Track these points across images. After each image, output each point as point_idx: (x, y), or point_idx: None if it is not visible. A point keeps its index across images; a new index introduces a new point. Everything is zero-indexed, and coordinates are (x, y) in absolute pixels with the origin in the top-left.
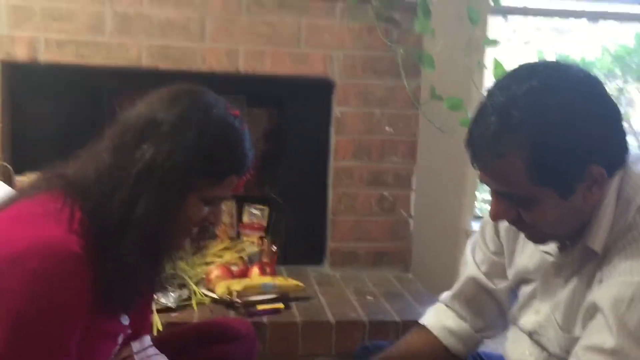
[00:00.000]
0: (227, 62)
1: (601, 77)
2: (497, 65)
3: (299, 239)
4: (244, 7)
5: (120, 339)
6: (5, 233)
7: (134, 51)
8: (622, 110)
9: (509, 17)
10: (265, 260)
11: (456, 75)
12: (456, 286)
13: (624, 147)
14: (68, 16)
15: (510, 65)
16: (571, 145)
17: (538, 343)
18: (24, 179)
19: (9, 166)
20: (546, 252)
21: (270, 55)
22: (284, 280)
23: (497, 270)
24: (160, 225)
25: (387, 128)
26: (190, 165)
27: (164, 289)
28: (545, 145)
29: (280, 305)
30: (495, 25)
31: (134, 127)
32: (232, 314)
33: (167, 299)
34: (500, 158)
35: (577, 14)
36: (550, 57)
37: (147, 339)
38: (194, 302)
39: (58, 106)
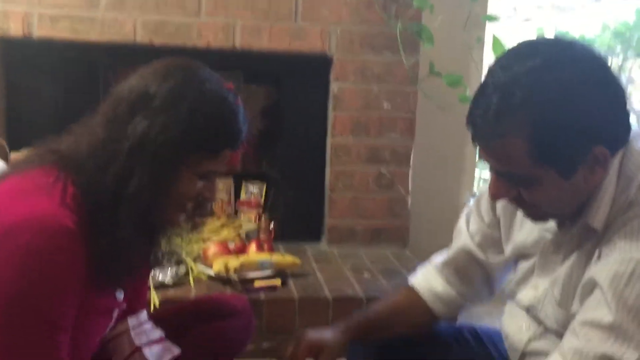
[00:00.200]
0: (224, 38)
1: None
2: (497, 41)
3: (296, 215)
4: None
5: (115, 315)
6: None
7: (128, 26)
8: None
9: None
10: (262, 237)
11: (455, 51)
12: (448, 254)
13: (627, 127)
14: None
15: (509, 42)
16: (574, 126)
17: (535, 318)
18: (19, 155)
19: (4, 142)
20: (545, 229)
21: (267, 30)
22: (281, 257)
23: (489, 242)
24: (154, 199)
25: (385, 104)
26: (184, 139)
27: (159, 265)
28: (548, 125)
29: (278, 282)
30: (495, 2)
31: (126, 100)
32: (229, 290)
33: (164, 275)
34: (502, 137)
35: None
36: (550, 34)
37: (143, 315)
38: (191, 278)
39: (53, 82)
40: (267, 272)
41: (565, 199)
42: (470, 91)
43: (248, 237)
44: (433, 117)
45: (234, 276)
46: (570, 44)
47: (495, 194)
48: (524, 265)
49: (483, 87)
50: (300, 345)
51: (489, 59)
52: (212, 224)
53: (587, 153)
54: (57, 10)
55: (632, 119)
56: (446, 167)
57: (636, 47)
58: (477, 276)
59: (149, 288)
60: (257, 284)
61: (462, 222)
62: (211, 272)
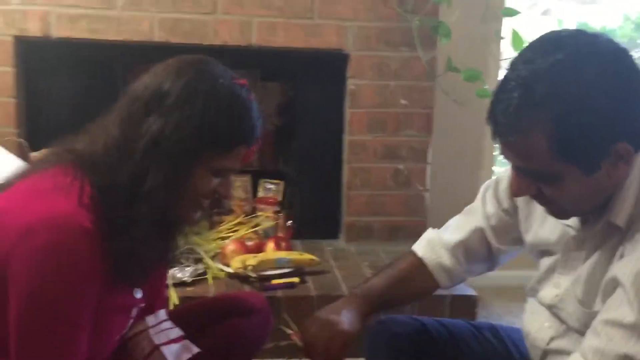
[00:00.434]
0: (240, 36)
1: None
2: (516, 36)
3: (314, 213)
4: None
5: (134, 313)
6: (16, 207)
7: (145, 25)
8: None
9: None
10: (280, 234)
11: (473, 46)
12: (461, 233)
13: None
14: None
15: (529, 35)
16: (597, 122)
17: (557, 316)
18: (38, 155)
19: (24, 142)
20: (568, 225)
21: (283, 28)
22: (298, 255)
23: (504, 227)
24: (169, 197)
25: (402, 101)
26: (198, 136)
27: (177, 264)
28: (570, 122)
29: (296, 279)
30: None
31: (140, 99)
32: (247, 288)
33: (183, 273)
34: (523, 134)
35: None
36: (571, 27)
37: (162, 313)
38: (209, 276)
39: (71, 81)
40: (285, 270)
41: (588, 195)
42: (489, 86)
43: (266, 235)
44: (451, 112)
45: (252, 274)
46: (593, 38)
47: (516, 191)
48: (546, 263)
49: (504, 82)
50: (314, 326)
51: (507, 53)
52: (229, 222)
53: (609, 149)
54: (75, 10)
55: None
56: (464, 164)
57: None
58: (484, 256)
59: (168, 286)
60: (275, 281)
61: (478, 201)
62: (229, 270)
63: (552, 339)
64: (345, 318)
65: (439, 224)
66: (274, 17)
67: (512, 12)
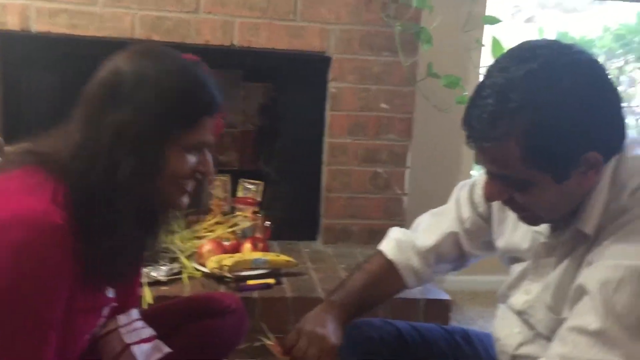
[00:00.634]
0: (222, 35)
1: (602, 56)
2: (496, 43)
3: (292, 214)
4: None
5: (105, 312)
6: None
7: (126, 22)
8: (623, 90)
9: None
10: (258, 235)
11: (454, 53)
12: (433, 237)
13: (622, 133)
14: None
15: (511, 43)
16: (569, 131)
17: (527, 322)
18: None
19: (0, 137)
20: (538, 232)
21: (266, 28)
22: (275, 256)
23: (477, 231)
24: (146, 185)
25: (382, 105)
26: (157, 118)
27: (153, 262)
28: (543, 130)
29: (271, 281)
30: (497, 2)
31: (95, 96)
32: (222, 288)
33: (158, 272)
34: (497, 141)
35: None
36: (551, 36)
37: (134, 312)
38: (184, 276)
39: (51, 76)
40: (261, 271)
41: (558, 203)
42: (468, 93)
43: (244, 235)
44: (431, 118)
45: (227, 274)
46: (568, 48)
47: (489, 195)
48: (516, 269)
49: (480, 89)
50: (302, 340)
51: (488, 60)
52: (207, 221)
53: (580, 158)
54: (55, 5)
55: (630, 121)
56: (443, 168)
57: (637, 49)
58: (454, 259)
59: (142, 286)
60: (251, 282)
61: (451, 203)
62: (205, 270)
63: (520, 344)
64: (331, 330)
65: None
66: (257, 18)
67: (493, 20)
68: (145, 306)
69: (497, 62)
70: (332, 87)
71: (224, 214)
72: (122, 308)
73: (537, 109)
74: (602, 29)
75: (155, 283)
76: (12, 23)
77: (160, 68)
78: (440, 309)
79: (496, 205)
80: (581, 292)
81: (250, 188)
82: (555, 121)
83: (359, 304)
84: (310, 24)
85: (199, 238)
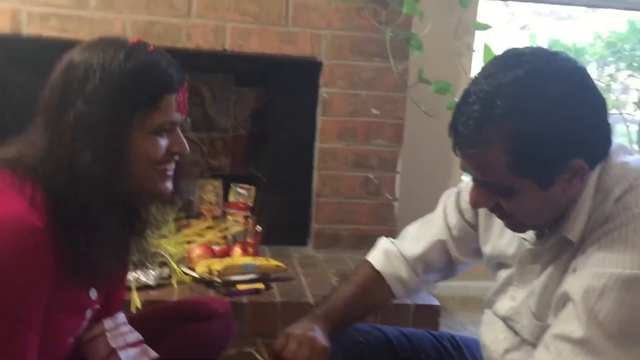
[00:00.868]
0: (214, 40)
1: (593, 64)
2: (487, 49)
3: (283, 219)
4: None
5: (88, 314)
6: None
7: (117, 26)
8: (615, 98)
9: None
10: (249, 240)
11: (444, 59)
12: (422, 244)
13: (607, 140)
14: None
15: (501, 49)
16: (554, 138)
17: (512, 329)
18: None
19: None
20: (524, 239)
21: (258, 33)
22: (265, 261)
23: (465, 238)
24: (113, 175)
25: (373, 110)
26: (109, 105)
27: (142, 266)
28: (528, 137)
29: (261, 286)
30: (490, 9)
31: (49, 104)
32: (212, 293)
33: (147, 277)
34: (482, 147)
35: (572, 1)
36: (543, 43)
37: (120, 316)
38: (174, 280)
39: (42, 80)
40: (251, 276)
41: (543, 210)
42: (458, 99)
43: (235, 240)
44: (421, 123)
45: (217, 279)
46: (554, 55)
47: (475, 202)
48: (502, 275)
49: (466, 95)
50: (291, 342)
51: (478, 66)
52: (197, 225)
53: (565, 165)
54: (47, 9)
55: (620, 128)
56: (433, 174)
57: (628, 57)
58: (442, 267)
59: (129, 289)
60: (240, 287)
61: (438, 211)
62: (195, 275)
63: (506, 351)
64: (319, 334)
65: None
66: (248, 23)
67: (483, 27)
68: (133, 311)
69: (483, 69)
70: (323, 92)
71: (215, 218)
72: (107, 312)
73: (523, 116)
74: (594, 37)
75: (144, 287)
76: (3, 26)
77: (105, 56)
78: (429, 314)
79: (482, 211)
80: (565, 299)
81: (241, 193)
82: (541, 128)
83: (343, 316)
84: (301, 29)
85: (189, 242)
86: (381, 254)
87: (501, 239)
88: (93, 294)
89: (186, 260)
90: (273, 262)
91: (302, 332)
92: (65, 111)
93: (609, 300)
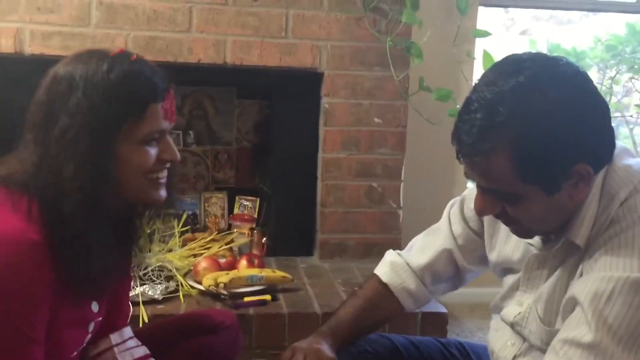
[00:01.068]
0: (215, 54)
1: (594, 67)
2: (487, 56)
3: (288, 230)
4: None
5: (91, 327)
6: None
7: (119, 42)
8: (617, 100)
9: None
10: (254, 251)
11: (445, 66)
12: (428, 255)
13: (611, 144)
14: (53, 7)
15: (502, 55)
16: (558, 143)
17: (520, 334)
18: None
19: None
20: (530, 244)
21: (258, 46)
22: (271, 272)
23: (471, 247)
24: (101, 187)
25: (375, 119)
26: (93, 117)
27: (148, 281)
28: (532, 143)
29: (267, 297)
30: (490, 15)
31: (37, 117)
32: (218, 305)
33: (154, 291)
34: (486, 155)
35: (570, 5)
36: (543, 47)
37: (127, 331)
38: (180, 294)
39: None
40: (258, 287)
41: (550, 215)
42: (460, 106)
43: (240, 252)
44: (423, 131)
45: (223, 292)
46: (554, 61)
47: (480, 209)
48: (509, 280)
49: (468, 103)
50: (297, 354)
51: (479, 73)
52: (203, 239)
53: (570, 170)
54: (49, 27)
55: (623, 130)
56: (437, 181)
57: (629, 59)
58: (450, 277)
59: (136, 304)
60: (247, 299)
61: (443, 221)
62: (201, 288)
63: (515, 357)
64: (325, 347)
65: None
66: (249, 36)
67: (482, 34)
68: (141, 325)
69: (484, 76)
70: (325, 102)
71: (221, 231)
72: (114, 326)
73: (525, 122)
74: (594, 40)
75: (151, 301)
76: (6, 46)
77: (88, 68)
78: (437, 322)
79: (487, 218)
80: (573, 304)
81: (246, 205)
82: (544, 133)
83: (351, 331)
84: (301, 40)
85: (195, 256)
86: (388, 267)
87: (507, 244)
88: (95, 306)
89: (192, 273)
90: (279, 273)
91: (308, 345)
92: (51, 126)
93: (618, 304)
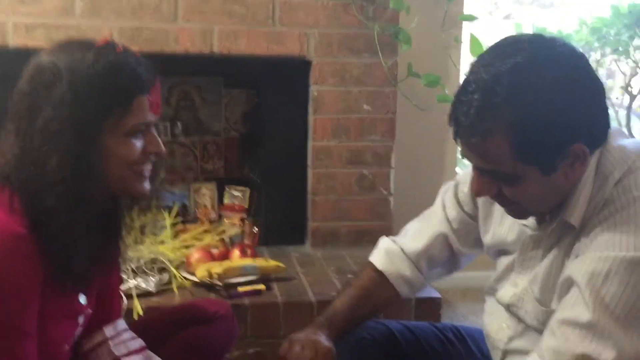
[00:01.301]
0: (202, 43)
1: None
2: (474, 40)
3: (280, 219)
4: None
5: (81, 320)
6: None
7: (105, 33)
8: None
9: None
10: (246, 241)
11: (433, 52)
12: (423, 239)
13: (606, 124)
14: None
15: (489, 40)
16: (555, 124)
17: (515, 316)
18: None
19: None
20: (525, 225)
21: (245, 35)
22: (264, 262)
23: (466, 230)
24: (85, 179)
25: (365, 106)
26: (78, 109)
27: (141, 274)
28: (529, 124)
29: (262, 287)
30: (474, 0)
31: (20, 108)
32: (213, 296)
33: (148, 283)
34: (484, 136)
35: None
36: (528, 31)
37: (120, 323)
38: (174, 286)
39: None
40: (251, 277)
41: (547, 195)
42: (449, 91)
43: (232, 242)
44: (413, 117)
45: (217, 282)
46: (551, 42)
47: (478, 190)
48: (503, 262)
49: (465, 84)
50: (295, 346)
51: (467, 58)
52: (195, 230)
53: (567, 150)
54: (32, 19)
55: (612, 114)
56: (427, 167)
57: (613, 42)
58: (446, 261)
59: (131, 297)
60: (241, 289)
61: (437, 205)
62: (195, 279)
63: (510, 338)
64: (322, 337)
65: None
66: (236, 25)
67: (470, 18)
68: (135, 318)
69: (480, 57)
70: (314, 90)
71: (212, 221)
72: (107, 319)
73: (523, 103)
74: (578, 23)
75: (145, 294)
76: None
77: (73, 59)
78: (431, 307)
79: (481, 200)
80: (569, 284)
81: (236, 195)
82: (541, 113)
83: (347, 321)
84: (288, 29)
85: (187, 247)
86: (382, 254)
87: (501, 226)
88: (82, 299)
89: (185, 265)
90: (272, 263)
91: (305, 336)
92: (34, 117)
93: (615, 283)
